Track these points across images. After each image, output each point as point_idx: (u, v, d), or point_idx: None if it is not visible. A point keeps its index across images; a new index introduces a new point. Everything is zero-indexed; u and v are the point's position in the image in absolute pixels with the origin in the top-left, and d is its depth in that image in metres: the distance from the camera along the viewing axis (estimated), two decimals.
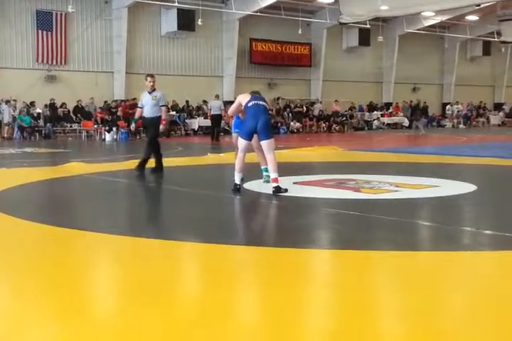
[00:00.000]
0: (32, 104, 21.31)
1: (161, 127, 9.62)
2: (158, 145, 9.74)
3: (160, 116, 9.61)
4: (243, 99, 7.44)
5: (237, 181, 7.32)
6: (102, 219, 6.16)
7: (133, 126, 11.05)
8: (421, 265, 4.14)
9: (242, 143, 7.33)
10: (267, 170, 7.73)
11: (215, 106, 20.56)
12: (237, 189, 7.30)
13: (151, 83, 9.68)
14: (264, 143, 7.32)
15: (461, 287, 3.63)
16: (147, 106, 9.69)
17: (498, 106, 36.36)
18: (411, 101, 31.82)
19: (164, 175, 9.52)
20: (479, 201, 7.07)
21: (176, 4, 22.66)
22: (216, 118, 20.29)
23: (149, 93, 9.67)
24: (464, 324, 2.99)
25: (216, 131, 19.97)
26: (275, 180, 7.17)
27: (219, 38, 26.34)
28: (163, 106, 9.78)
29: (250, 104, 7.33)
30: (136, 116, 10.20)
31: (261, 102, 7.41)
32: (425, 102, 32.51)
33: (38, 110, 21.38)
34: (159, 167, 9.62)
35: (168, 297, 3.41)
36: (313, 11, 27.99)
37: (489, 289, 3.55)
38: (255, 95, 7.59)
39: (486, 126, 32.16)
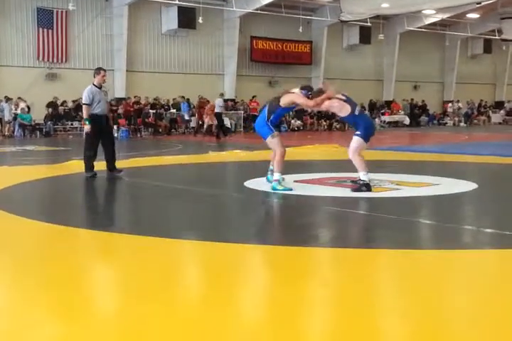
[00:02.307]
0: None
1: (87, 127, 8.89)
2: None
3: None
4: None
5: None
6: (101, 217, 6.16)
7: (88, 127, 8.94)
8: (422, 263, 4.14)
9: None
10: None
11: (217, 104, 20.66)
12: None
13: (105, 77, 9.19)
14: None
15: (462, 285, 3.63)
16: (101, 102, 9.04)
17: (499, 105, 36.33)
18: (412, 100, 31.80)
19: (165, 173, 9.52)
20: (480, 199, 7.06)
21: (177, 2, 22.67)
22: (218, 116, 20.39)
23: (99, 88, 9.08)
24: (465, 323, 2.99)
25: (220, 128, 20.09)
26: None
27: (220, 36, 26.32)
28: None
29: None
30: (86, 114, 8.95)
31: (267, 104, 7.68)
32: (423, 100, 32.45)
33: (22, 105, 20.96)
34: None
35: (168, 295, 3.41)
36: (314, 9, 27.96)
37: (490, 287, 3.55)
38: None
39: (487, 124, 32.13)
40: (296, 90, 7.59)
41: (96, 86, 9.09)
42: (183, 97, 23.72)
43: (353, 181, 7.51)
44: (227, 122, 24.63)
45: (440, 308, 3.17)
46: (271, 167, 7.77)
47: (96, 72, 9.22)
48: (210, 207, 6.61)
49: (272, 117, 7.45)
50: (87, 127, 8.96)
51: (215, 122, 20.62)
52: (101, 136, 9.06)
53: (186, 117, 23.97)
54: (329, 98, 7.33)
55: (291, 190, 7.26)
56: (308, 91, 7.49)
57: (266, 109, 7.65)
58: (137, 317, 3.04)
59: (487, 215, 6.02)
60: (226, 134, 19.75)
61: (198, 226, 5.56)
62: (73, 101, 22.12)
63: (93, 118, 8.93)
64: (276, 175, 7.35)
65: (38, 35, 22.18)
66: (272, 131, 7.46)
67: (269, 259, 4.36)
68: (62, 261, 4.25)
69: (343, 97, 7.38)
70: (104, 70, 9.29)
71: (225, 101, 23.09)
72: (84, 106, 9.04)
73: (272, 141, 7.50)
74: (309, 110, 7.64)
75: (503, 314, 3.07)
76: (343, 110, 7.32)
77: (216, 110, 20.50)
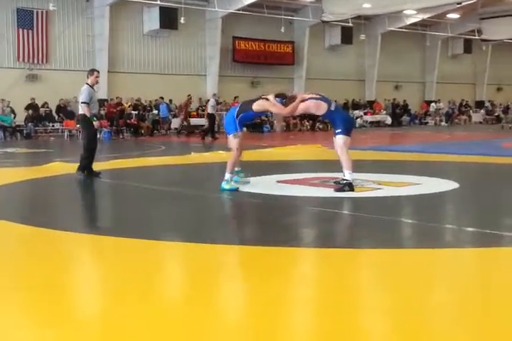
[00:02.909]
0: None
1: (97, 123, 9.21)
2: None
3: None
4: None
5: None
6: (85, 219, 6.13)
7: (98, 123, 9.33)
8: (403, 262, 4.17)
9: None
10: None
11: (209, 105, 20.36)
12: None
13: (98, 78, 9.40)
14: None
15: (443, 283, 3.66)
16: (96, 102, 9.33)
17: (479, 104, 36.70)
18: (394, 99, 32.01)
19: (147, 174, 9.48)
20: (461, 198, 7.13)
21: (159, 2, 22.59)
22: (211, 117, 20.00)
23: (92, 88, 9.22)
24: (446, 320, 3.02)
25: (211, 129, 19.81)
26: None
27: (202, 37, 26.27)
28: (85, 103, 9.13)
29: None
30: (89, 112, 9.07)
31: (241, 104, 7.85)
32: (405, 100, 32.70)
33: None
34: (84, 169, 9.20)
35: (150, 296, 3.40)
36: (296, 9, 28.03)
37: (471, 285, 3.59)
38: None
39: (468, 124, 32.44)
40: (271, 97, 7.58)
41: (90, 86, 9.22)
42: (161, 98, 23.53)
43: (335, 181, 7.54)
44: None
45: (422, 306, 3.20)
46: (236, 169, 7.79)
47: (89, 73, 9.40)
48: (192, 208, 6.60)
49: (240, 116, 7.48)
50: (96, 123, 9.18)
51: (207, 123, 20.45)
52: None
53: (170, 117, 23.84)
54: (303, 100, 7.37)
55: (237, 189, 7.33)
56: (283, 99, 7.49)
57: (238, 106, 7.68)
58: (119, 319, 3.02)
59: (468, 214, 6.09)
60: (214, 137, 19.35)
61: (180, 227, 5.55)
62: (62, 106, 21.94)
63: (88, 117, 9.08)
64: (227, 176, 7.41)
65: (18, 36, 21.95)
66: (235, 131, 7.47)
67: (251, 260, 4.37)
68: (44, 263, 4.21)
69: (317, 96, 7.44)
70: (98, 71, 9.54)
71: (218, 103, 22.93)
72: (84, 104, 9.14)
73: (233, 140, 7.52)
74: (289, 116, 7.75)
75: (483, 311, 3.10)
76: (320, 108, 7.36)
77: (209, 111, 20.25)
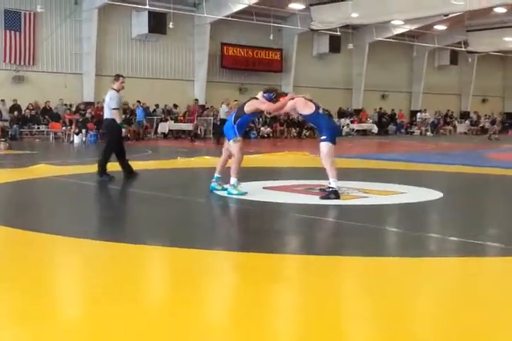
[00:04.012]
0: None
1: (125, 131, 9.57)
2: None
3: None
4: None
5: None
6: (68, 222, 6.08)
7: (125, 130, 9.66)
8: (387, 271, 4.18)
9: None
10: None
11: (222, 111, 20.77)
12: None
13: (124, 83, 9.54)
14: None
15: (426, 292, 3.68)
16: (121, 108, 9.62)
17: (464, 115, 37.05)
18: (380, 109, 32.23)
19: (132, 178, 9.44)
20: (445, 208, 7.17)
21: (147, 7, 22.57)
22: (222, 123, 20.26)
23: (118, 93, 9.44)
24: (429, 329, 3.03)
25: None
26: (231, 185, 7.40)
27: (190, 42, 26.29)
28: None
29: None
30: (120, 118, 9.38)
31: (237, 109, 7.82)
32: (393, 110, 32.96)
33: None
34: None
35: (135, 301, 3.38)
36: (285, 17, 28.16)
37: (454, 294, 3.61)
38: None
39: (453, 134, 32.72)
40: (259, 95, 7.63)
41: (117, 91, 9.40)
42: (138, 102, 23.31)
43: (321, 189, 7.55)
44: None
45: (404, 315, 3.21)
46: (216, 175, 7.75)
47: (115, 79, 9.63)
48: (177, 213, 6.57)
49: (238, 122, 7.51)
50: (124, 131, 9.43)
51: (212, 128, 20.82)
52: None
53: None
54: (292, 99, 7.43)
55: (245, 193, 7.31)
56: (271, 93, 7.55)
57: (235, 112, 7.72)
58: (103, 322, 3.00)
59: (452, 224, 6.12)
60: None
61: (164, 232, 5.52)
62: (47, 108, 21.73)
63: (117, 123, 9.27)
64: (232, 180, 7.40)
65: (5, 37, 21.82)
66: (235, 135, 7.49)
67: (234, 265, 4.35)
68: (26, 266, 4.17)
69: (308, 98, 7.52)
70: (123, 77, 9.66)
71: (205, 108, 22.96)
72: (115, 110, 9.30)
73: (233, 145, 7.53)
74: (281, 113, 7.62)
75: (466, 319, 3.12)
76: (307, 107, 7.39)
77: (221, 116, 20.57)
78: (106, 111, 9.46)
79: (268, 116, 25.07)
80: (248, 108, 7.54)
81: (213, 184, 7.70)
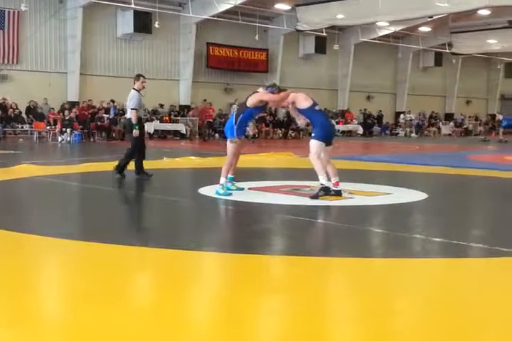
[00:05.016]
0: None
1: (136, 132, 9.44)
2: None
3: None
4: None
5: None
6: (50, 222, 6.02)
7: (137, 131, 9.33)
8: (371, 271, 4.19)
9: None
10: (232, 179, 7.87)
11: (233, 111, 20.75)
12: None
13: (145, 83, 9.58)
14: None
15: (410, 293, 3.69)
16: (142, 107, 9.62)
17: (448, 116, 37.32)
18: (365, 110, 32.36)
19: (117, 178, 9.38)
20: (430, 209, 7.21)
21: (133, 6, 22.46)
22: None
23: (139, 93, 9.54)
24: (412, 329, 3.03)
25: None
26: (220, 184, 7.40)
27: (176, 42, 26.21)
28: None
29: None
30: (135, 119, 9.30)
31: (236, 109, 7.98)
32: (380, 111, 33.13)
33: None
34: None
35: (118, 302, 3.35)
36: (271, 17, 28.18)
37: (438, 295, 3.62)
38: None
39: (437, 136, 32.94)
40: (261, 89, 7.75)
41: (137, 91, 9.45)
42: (112, 101, 23.05)
43: (311, 190, 7.55)
44: (181, 128, 24.50)
45: (389, 315, 3.22)
46: (229, 176, 7.78)
47: (136, 79, 9.61)
48: (164, 214, 6.54)
49: (240, 119, 7.51)
50: (136, 132, 9.28)
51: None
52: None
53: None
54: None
55: (230, 194, 7.36)
56: (273, 87, 7.64)
57: (235, 113, 7.69)
58: (85, 324, 2.97)
59: (436, 224, 6.15)
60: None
61: (150, 232, 5.49)
62: (31, 108, 21.50)
63: (139, 122, 9.36)
64: (222, 180, 7.44)
65: None
66: (233, 136, 7.49)
67: (220, 266, 4.34)
68: (7, 267, 4.12)
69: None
70: (144, 76, 9.67)
71: (182, 107, 22.94)
72: (133, 111, 9.34)
73: (229, 145, 7.55)
74: (284, 105, 7.70)
75: (448, 320, 3.13)
76: (306, 102, 7.48)
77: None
78: (128, 111, 9.64)
79: (272, 108, 25.19)
80: (251, 101, 7.55)
81: (228, 185, 7.73)
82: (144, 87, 9.59)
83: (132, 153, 9.43)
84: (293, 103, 7.56)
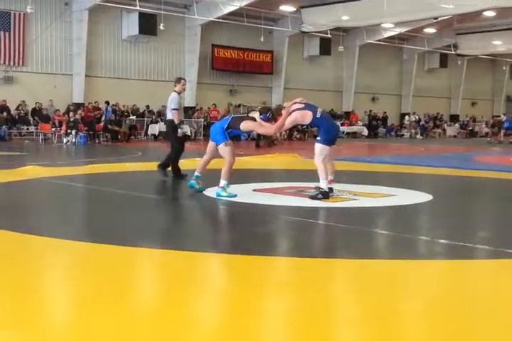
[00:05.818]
0: None
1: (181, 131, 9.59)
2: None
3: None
4: None
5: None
6: (56, 223, 6.03)
7: (181, 132, 9.47)
8: (376, 273, 4.19)
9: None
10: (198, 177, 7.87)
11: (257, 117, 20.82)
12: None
13: (185, 86, 9.77)
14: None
15: (416, 295, 3.68)
16: (182, 109, 9.85)
17: (453, 118, 37.24)
18: (370, 111, 32.34)
19: (122, 180, 9.40)
20: (435, 210, 7.20)
21: (138, 8, 22.52)
22: None
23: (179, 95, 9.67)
24: (417, 331, 3.03)
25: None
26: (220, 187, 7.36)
27: (181, 44, 26.26)
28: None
29: None
30: (178, 119, 9.42)
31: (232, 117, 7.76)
32: (385, 112, 33.10)
33: None
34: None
35: (120, 304, 3.35)
36: (276, 19, 28.20)
37: (443, 297, 3.61)
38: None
39: (442, 137, 32.87)
40: (256, 115, 7.61)
41: (178, 93, 9.57)
42: (107, 103, 22.77)
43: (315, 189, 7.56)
44: (187, 130, 24.48)
45: (395, 317, 3.21)
46: (196, 174, 7.81)
47: (177, 81, 9.75)
48: (166, 215, 6.55)
49: (229, 131, 7.51)
50: (180, 131, 9.43)
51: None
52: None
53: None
54: (289, 113, 7.37)
55: (235, 196, 7.29)
56: (267, 114, 7.53)
57: (229, 120, 7.63)
58: (87, 326, 2.98)
59: (441, 226, 6.14)
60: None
61: (152, 234, 5.50)
62: (37, 109, 21.53)
63: (177, 125, 9.44)
64: (222, 183, 7.38)
65: None
66: (225, 139, 7.47)
67: (223, 268, 4.34)
68: (12, 268, 4.13)
69: (302, 105, 7.47)
70: (184, 79, 9.89)
71: (186, 109, 22.91)
72: (175, 111, 9.47)
73: (225, 148, 7.51)
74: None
75: (457, 321, 3.12)
76: (306, 117, 7.42)
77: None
78: (168, 112, 9.76)
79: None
80: (245, 128, 7.51)
81: (192, 181, 7.80)
82: (184, 90, 9.81)
83: (177, 152, 9.48)
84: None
